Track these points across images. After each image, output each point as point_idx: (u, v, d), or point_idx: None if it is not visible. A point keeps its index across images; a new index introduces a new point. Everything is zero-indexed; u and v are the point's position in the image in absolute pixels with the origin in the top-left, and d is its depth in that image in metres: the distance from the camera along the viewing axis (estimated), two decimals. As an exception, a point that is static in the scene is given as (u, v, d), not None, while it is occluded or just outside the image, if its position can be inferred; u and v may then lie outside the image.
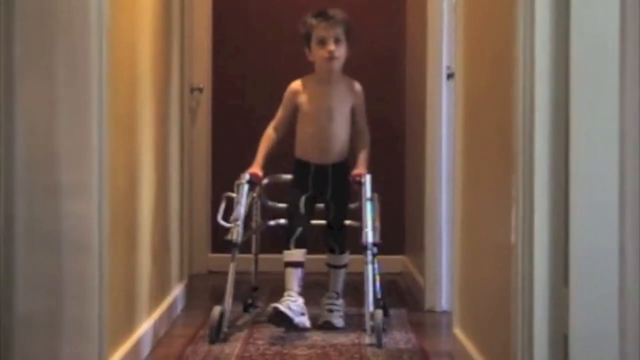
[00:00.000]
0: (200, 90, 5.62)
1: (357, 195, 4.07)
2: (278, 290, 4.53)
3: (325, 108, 4.07)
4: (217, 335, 3.72)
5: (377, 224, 3.94)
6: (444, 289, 4.49)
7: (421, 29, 4.78)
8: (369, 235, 3.88)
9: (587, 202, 2.41)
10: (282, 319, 3.78)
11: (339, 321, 4.07)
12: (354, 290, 4.39)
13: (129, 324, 3.39)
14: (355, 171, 4.03)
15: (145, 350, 3.59)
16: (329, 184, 4.08)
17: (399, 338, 3.87)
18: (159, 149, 4.06)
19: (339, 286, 4.19)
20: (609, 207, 1.90)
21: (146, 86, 3.76)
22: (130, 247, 3.45)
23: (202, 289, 4.98)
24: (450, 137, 4.26)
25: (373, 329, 3.71)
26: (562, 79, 2.47)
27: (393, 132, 5.51)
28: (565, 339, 2.47)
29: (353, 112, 4.12)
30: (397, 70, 5.71)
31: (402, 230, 5.49)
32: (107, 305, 2.90)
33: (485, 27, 3.23)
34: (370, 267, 3.88)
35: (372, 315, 3.75)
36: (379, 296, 4.01)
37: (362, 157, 4.10)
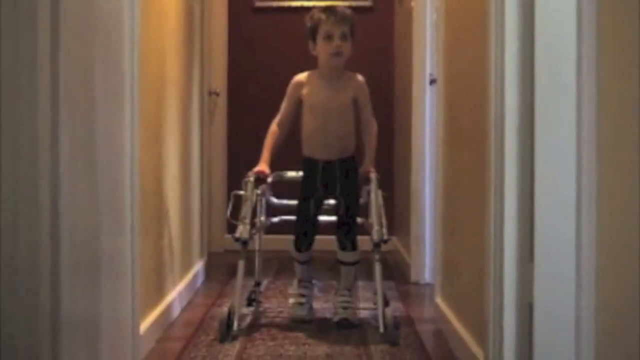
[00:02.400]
0: (217, 94, 5.63)
1: (361, 192, 3.66)
2: (282, 269, 4.54)
3: (327, 102, 3.56)
4: (227, 333, 3.29)
5: (384, 220, 3.49)
6: (427, 264, 4.50)
7: (408, 41, 4.79)
8: (378, 233, 3.45)
9: (549, 189, 2.43)
10: (302, 321, 3.58)
11: (354, 318, 3.60)
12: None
13: (158, 294, 3.42)
14: (362, 169, 3.59)
15: (172, 315, 3.62)
16: (338, 180, 3.56)
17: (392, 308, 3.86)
18: (182, 145, 4.08)
19: (350, 283, 3.71)
20: (568, 195, 1.93)
21: (171, 90, 3.77)
22: (159, 229, 3.47)
23: (219, 265, 4.99)
24: (432, 135, 4.28)
25: (386, 327, 3.29)
26: (528, 84, 2.49)
27: (383, 131, 5.46)
28: (530, 307, 2.49)
29: (356, 105, 3.60)
30: (387, 76, 5.73)
31: (391, 214, 5.48)
32: (139, 278, 2.92)
33: (462, 40, 3.24)
34: (379, 265, 3.45)
35: (384, 314, 3.33)
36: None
37: (369, 153, 3.62)
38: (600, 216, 1.67)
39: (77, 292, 2.23)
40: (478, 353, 2.75)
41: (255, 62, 5.79)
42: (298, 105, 3.62)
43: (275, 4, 5.76)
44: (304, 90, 3.60)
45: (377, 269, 3.43)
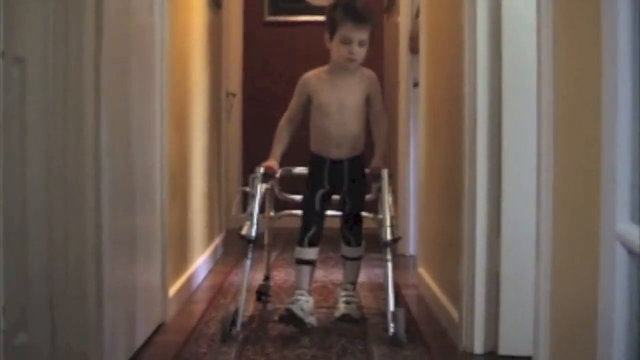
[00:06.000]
0: (234, 95, 5.62)
1: (370, 188, 3.02)
2: (290, 242, 4.47)
3: (337, 100, 2.91)
4: (230, 333, 2.69)
5: (395, 220, 2.89)
6: (411, 239, 4.51)
7: (395, 50, 4.79)
8: (389, 232, 2.82)
9: (514, 176, 2.46)
10: (293, 320, 2.79)
11: (356, 313, 2.96)
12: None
13: (184, 263, 3.43)
14: (372, 165, 2.93)
15: (196, 282, 3.63)
16: (345, 179, 2.93)
17: (379, 274, 3.83)
18: (204, 137, 4.09)
19: (355, 277, 3.05)
20: (529, 181, 1.95)
21: (195, 91, 3.78)
22: (184, 208, 3.48)
23: (236, 240, 4.94)
24: (416, 129, 4.29)
25: (395, 329, 2.67)
26: (497, 87, 2.51)
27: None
28: (497, 275, 2.51)
29: (368, 101, 2.95)
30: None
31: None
32: (168, 250, 2.95)
33: (441, 50, 3.25)
34: (390, 264, 2.79)
35: (394, 315, 2.70)
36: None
37: (379, 149, 2.98)
38: (556, 198, 1.69)
39: (116, 262, 2.25)
40: (453, 313, 2.77)
41: (266, 67, 5.79)
42: (306, 103, 2.99)
43: (282, 18, 5.77)
44: (314, 89, 2.96)
45: (388, 268, 2.80)
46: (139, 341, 2.56)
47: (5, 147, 1.72)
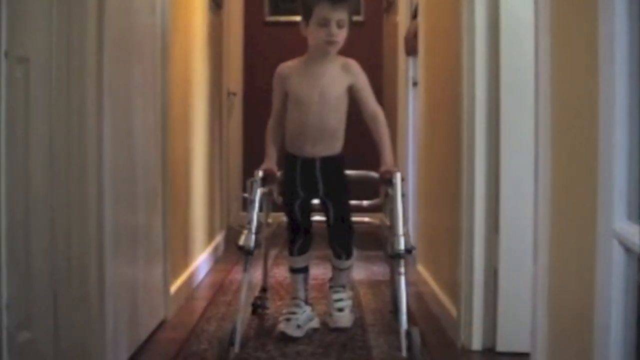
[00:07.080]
0: (235, 94, 5.62)
1: (378, 192, 2.73)
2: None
3: (318, 91, 2.67)
4: (228, 354, 2.37)
5: (407, 227, 2.60)
6: (410, 237, 4.49)
7: (394, 50, 4.79)
8: (402, 242, 2.45)
9: (512, 174, 2.46)
10: (289, 338, 2.64)
11: (349, 320, 2.84)
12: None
13: (185, 260, 3.43)
14: (383, 168, 2.61)
15: (197, 279, 3.63)
16: (319, 180, 2.69)
17: (378, 272, 3.86)
18: (206, 136, 4.09)
19: (346, 280, 2.91)
20: (527, 178, 1.95)
21: (195, 90, 3.78)
22: (185, 206, 3.48)
23: (237, 238, 4.97)
24: (415, 128, 4.29)
25: (409, 348, 2.30)
26: (494, 86, 2.51)
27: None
28: (495, 271, 2.52)
29: (353, 94, 2.68)
30: (376, 80, 5.70)
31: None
32: (170, 247, 2.95)
33: (439, 50, 3.25)
34: (402, 278, 2.41)
35: (408, 334, 2.33)
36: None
37: (385, 149, 2.64)
38: (554, 196, 1.69)
39: (118, 260, 2.25)
40: (452, 310, 2.76)
41: (266, 67, 5.76)
42: (285, 97, 2.76)
43: (282, 18, 5.78)
44: (290, 81, 2.73)
45: (402, 282, 2.42)
46: (141, 338, 2.56)
47: (9, 145, 1.72)
